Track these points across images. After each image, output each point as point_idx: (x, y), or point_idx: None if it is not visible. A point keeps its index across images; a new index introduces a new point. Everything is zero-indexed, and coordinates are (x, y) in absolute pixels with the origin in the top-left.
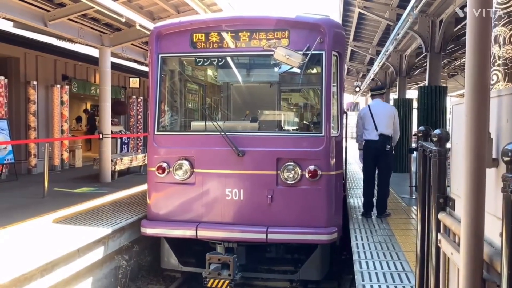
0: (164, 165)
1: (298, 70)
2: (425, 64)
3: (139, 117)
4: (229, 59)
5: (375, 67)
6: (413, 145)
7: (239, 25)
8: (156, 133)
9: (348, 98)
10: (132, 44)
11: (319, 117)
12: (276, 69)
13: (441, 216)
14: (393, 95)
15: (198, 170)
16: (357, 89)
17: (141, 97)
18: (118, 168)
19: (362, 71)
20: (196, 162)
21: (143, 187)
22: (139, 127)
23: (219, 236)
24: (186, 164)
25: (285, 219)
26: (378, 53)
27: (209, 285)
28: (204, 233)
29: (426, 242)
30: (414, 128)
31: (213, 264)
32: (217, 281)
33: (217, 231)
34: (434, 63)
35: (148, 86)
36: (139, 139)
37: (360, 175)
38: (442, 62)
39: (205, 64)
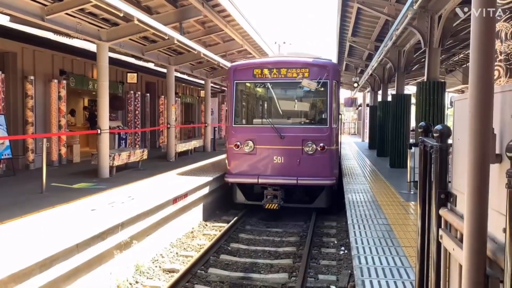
0: (238, 143)
1: (314, 90)
2: (423, 59)
3: (137, 112)
4: (274, 83)
5: (374, 63)
6: (411, 140)
7: (280, 65)
8: (233, 125)
9: (345, 94)
10: (130, 39)
11: (326, 116)
12: (301, 89)
13: (443, 211)
14: (391, 91)
15: (258, 146)
16: (355, 84)
17: (139, 92)
18: (116, 163)
19: (360, 67)
20: (256, 141)
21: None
22: (137, 123)
23: (270, 182)
24: (251, 143)
25: (307, 173)
26: (376, 48)
27: (266, 207)
28: (262, 180)
29: (427, 237)
30: (413, 124)
31: (268, 196)
32: (271, 205)
33: (269, 179)
34: (432, 58)
35: (226, 98)
36: (137, 135)
37: (358, 170)
38: (441, 58)
39: (260, 86)
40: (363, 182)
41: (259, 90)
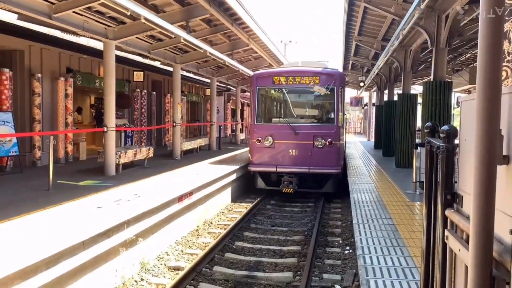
0: (260, 138)
1: (323, 94)
2: (430, 59)
3: (143, 110)
4: (290, 89)
5: (380, 62)
6: (417, 140)
7: (295, 73)
8: (256, 123)
9: (351, 93)
10: (136, 37)
11: (333, 116)
12: (312, 94)
13: (449, 212)
14: (398, 90)
15: (276, 141)
16: (361, 84)
17: (145, 91)
18: (122, 161)
19: (366, 66)
20: (275, 137)
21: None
22: (143, 121)
23: (287, 171)
24: (270, 138)
25: (317, 163)
26: (383, 48)
27: (283, 191)
28: (280, 169)
29: (432, 238)
30: (419, 124)
31: (285, 182)
32: (287, 189)
33: (286, 168)
34: (439, 58)
35: (249, 101)
36: (143, 133)
37: (364, 170)
38: (447, 57)
39: (278, 91)
40: (368, 182)
41: (277, 94)
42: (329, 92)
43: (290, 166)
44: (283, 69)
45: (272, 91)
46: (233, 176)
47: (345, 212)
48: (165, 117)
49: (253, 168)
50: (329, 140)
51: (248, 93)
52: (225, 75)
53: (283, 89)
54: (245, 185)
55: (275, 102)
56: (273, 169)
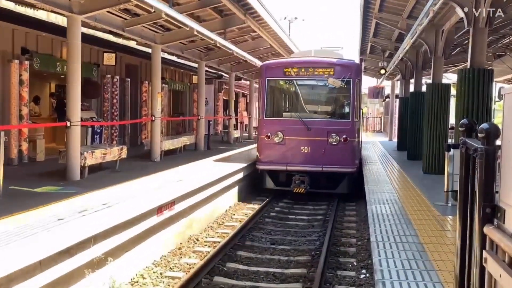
0: (269, 134)
1: (338, 87)
2: (466, 41)
3: (115, 101)
4: (302, 81)
5: (405, 45)
6: (450, 140)
7: (308, 64)
8: (265, 118)
9: (370, 82)
10: (107, 11)
11: (348, 111)
12: (326, 87)
13: (488, 229)
14: (426, 79)
15: (287, 137)
16: (382, 71)
17: (118, 77)
18: (88, 163)
19: (388, 49)
20: (285, 133)
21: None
22: (115, 114)
23: (298, 169)
24: (280, 134)
25: (331, 161)
26: (409, 27)
27: (294, 191)
28: (291, 168)
29: (468, 260)
30: (452, 120)
31: (296, 181)
32: (298, 188)
33: (297, 167)
34: (478, 40)
35: (259, 94)
36: (114, 128)
37: (384, 176)
38: (488, 40)
39: (289, 83)
40: (389, 191)
41: (289, 86)
42: (344, 85)
43: (302, 165)
44: (295, 59)
45: (283, 83)
46: (226, 182)
47: (361, 227)
48: (141, 109)
49: (261, 167)
50: (344, 136)
51: (244, 82)
52: (215, 58)
53: (295, 81)
54: (245, 190)
55: (286, 95)
56: (284, 168)
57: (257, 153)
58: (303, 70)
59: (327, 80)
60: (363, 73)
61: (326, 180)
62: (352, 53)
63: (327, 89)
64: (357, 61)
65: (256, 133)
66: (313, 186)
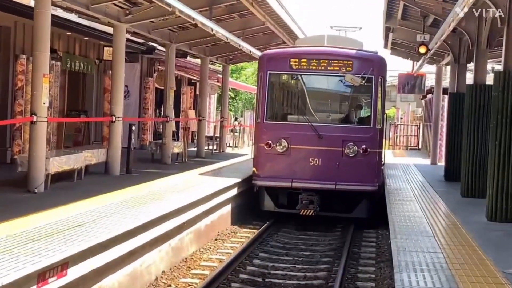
0: (270, 142)
1: (357, 85)
2: None
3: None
4: (313, 76)
5: (462, 5)
6: None
7: (321, 56)
8: (265, 121)
9: (401, 65)
10: None
11: (370, 115)
12: (343, 85)
13: None
14: (496, 65)
15: (293, 146)
16: (422, 49)
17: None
18: None
19: (433, 13)
20: (291, 141)
21: None
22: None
23: (306, 186)
24: (284, 142)
25: (347, 177)
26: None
27: (301, 213)
28: (296, 184)
29: None
30: None
31: (303, 201)
32: (306, 210)
33: (305, 183)
34: None
35: (257, 91)
36: None
37: (424, 223)
38: None
39: (297, 78)
40: (432, 250)
41: (296, 82)
42: (365, 83)
43: (310, 181)
44: (305, 49)
45: (289, 78)
46: (151, 234)
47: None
48: (14, 102)
49: (259, 182)
50: (364, 146)
51: (191, 60)
52: (145, 19)
53: (304, 77)
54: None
55: (292, 94)
56: (288, 184)
57: (254, 166)
58: (314, 62)
59: (343, 76)
60: (390, 51)
61: (341, 200)
62: (372, 39)
63: (344, 87)
64: (381, 33)
65: (253, 141)
66: (324, 208)
